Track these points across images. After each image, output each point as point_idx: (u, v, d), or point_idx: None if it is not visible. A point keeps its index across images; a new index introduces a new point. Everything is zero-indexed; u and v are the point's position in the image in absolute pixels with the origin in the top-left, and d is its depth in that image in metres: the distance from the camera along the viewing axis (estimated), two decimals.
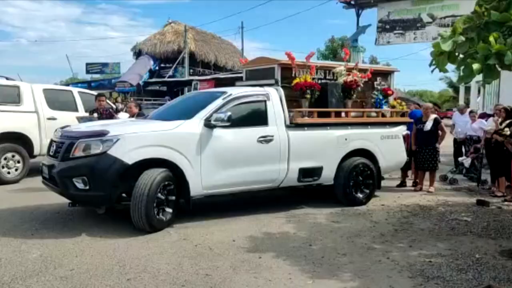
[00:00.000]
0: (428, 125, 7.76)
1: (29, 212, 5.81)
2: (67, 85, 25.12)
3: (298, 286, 3.66)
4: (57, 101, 8.84)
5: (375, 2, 15.50)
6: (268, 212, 5.99)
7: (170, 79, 27.29)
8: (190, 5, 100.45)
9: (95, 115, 7.68)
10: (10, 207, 6.12)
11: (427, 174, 8.01)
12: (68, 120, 7.77)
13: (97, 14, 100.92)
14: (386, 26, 15.28)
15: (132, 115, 7.56)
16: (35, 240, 4.64)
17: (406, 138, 7.30)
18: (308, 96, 6.32)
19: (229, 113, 5.35)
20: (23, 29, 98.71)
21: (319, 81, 6.67)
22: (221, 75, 23.76)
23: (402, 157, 7.23)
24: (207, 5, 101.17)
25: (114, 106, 10.33)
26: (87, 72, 35.97)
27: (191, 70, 28.63)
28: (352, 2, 15.92)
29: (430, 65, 4.79)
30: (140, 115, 7.53)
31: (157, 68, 30.03)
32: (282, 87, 6.20)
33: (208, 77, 24.29)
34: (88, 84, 27.84)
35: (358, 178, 6.53)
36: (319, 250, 4.51)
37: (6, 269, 3.85)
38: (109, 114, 7.66)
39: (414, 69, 79.50)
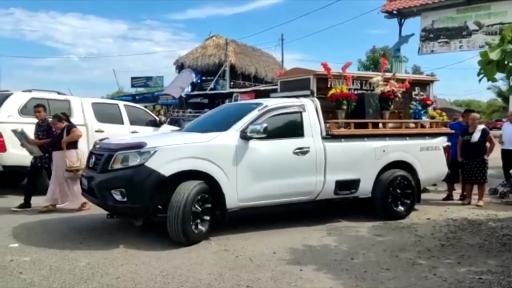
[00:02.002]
0: (476, 136, 7.47)
1: (76, 221, 6.02)
2: (113, 98, 26.07)
3: None
4: (104, 114, 9.18)
5: (418, 11, 15.17)
6: (309, 224, 5.93)
7: (211, 92, 27.74)
8: (231, 19, 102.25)
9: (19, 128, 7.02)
10: (58, 216, 6.36)
11: (475, 187, 7.70)
12: (114, 132, 8.07)
13: (142, 30, 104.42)
14: (430, 35, 14.90)
15: (61, 130, 6.85)
16: (83, 249, 4.81)
17: (446, 149, 7.04)
18: (345, 107, 6.25)
19: (265, 125, 5.31)
20: (73, 46, 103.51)
21: (355, 92, 6.56)
22: (261, 87, 23.91)
23: (443, 169, 6.99)
24: (248, 18, 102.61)
25: (156, 117, 10.58)
26: (132, 85, 37.18)
27: (232, 83, 28.99)
28: (394, 12, 15.64)
29: (478, 74, 4.63)
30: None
31: (199, 81, 30.64)
32: (317, 98, 6.15)
33: (249, 89, 24.52)
34: (132, 97, 28.76)
35: (396, 191, 6.35)
36: (361, 264, 4.42)
37: (56, 276, 4.00)
38: (47, 127, 7.02)
39: (460, 78, 77.00)
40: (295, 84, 6.78)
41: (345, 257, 4.65)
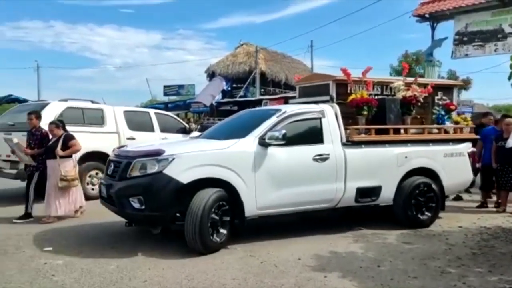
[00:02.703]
0: (511, 142, 7.23)
1: (106, 226, 6.15)
2: (146, 107, 26.64)
3: None
4: (136, 122, 9.42)
5: (452, 14, 14.82)
6: (335, 232, 5.88)
7: (241, 99, 27.93)
8: (262, 26, 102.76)
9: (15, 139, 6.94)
10: (90, 222, 6.54)
11: (511, 195, 7.44)
12: (146, 140, 8.26)
13: (176, 40, 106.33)
14: (464, 39, 14.53)
15: (57, 137, 6.74)
16: (112, 253, 4.94)
17: (471, 155, 6.81)
18: (365, 112, 6.13)
19: (284, 131, 5.22)
20: (109, 56, 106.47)
21: (376, 97, 6.40)
22: (290, 94, 23.91)
23: (468, 176, 6.76)
24: (278, 26, 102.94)
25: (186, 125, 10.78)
26: (165, 94, 37.93)
27: (262, 90, 29.12)
28: (427, 16, 15.33)
29: (509, 78, 4.51)
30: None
31: (229, 88, 30.93)
32: (337, 103, 6.06)
33: (278, 96, 24.54)
34: (165, 106, 29.32)
35: (419, 198, 6.17)
36: (388, 272, 4.35)
37: (86, 278, 4.14)
38: (40, 135, 6.89)
39: (498, 82, 74.42)
40: (314, 89, 6.70)
41: (372, 264, 4.59)
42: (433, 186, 6.26)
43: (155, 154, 5.00)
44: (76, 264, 4.55)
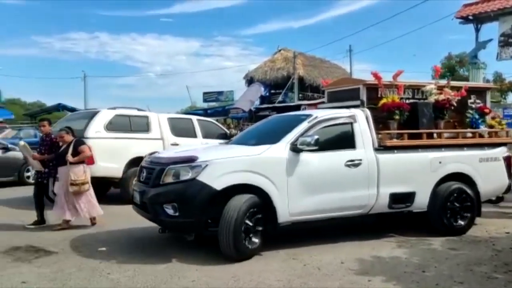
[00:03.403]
0: None
1: (150, 231, 6.12)
2: (186, 113, 27.28)
3: None
4: (179, 128, 9.74)
5: (496, 16, 14.40)
6: (378, 237, 5.88)
7: (279, 105, 28.06)
8: (299, 31, 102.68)
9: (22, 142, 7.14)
10: (140, 225, 6.65)
11: None
12: (189, 145, 8.52)
13: (214, 47, 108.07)
14: (510, 40, 14.08)
15: (67, 143, 6.74)
16: (161, 254, 5.16)
17: (507, 160, 6.59)
18: (397, 117, 6.04)
19: (316, 137, 5.16)
20: (150, 64, 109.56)
21: (407, 101, 6.32)
22: None
23: (503, 181, 6.54)
24: (316, 30, 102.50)
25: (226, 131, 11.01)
26: (204, 100, 38.66)
27: (300, 95, 29.14)
28: (470, 17, 14.98)
29: None
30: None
31: (267, 94, 31.16)
32: (367, 108, 5.99)
33: (316, 101, 24.49)
34: (204, 112, 29.87)
35: (455, 204, 6.03)
36: (433, 277, 4.34)
37: (139, 277, 4.37)
38: (50, 141, 6.93)
39: None
40: (343, 94, 6.63)
41: (416, 269, 4.59)
42: (469, 191, 6.12)
43: (189, 160, 5.00)
44: (128, 263, 4.80)
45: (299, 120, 5.63)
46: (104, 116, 8.73)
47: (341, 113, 5.81)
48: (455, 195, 6.04)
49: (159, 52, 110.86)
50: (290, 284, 4.17)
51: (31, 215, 6.85)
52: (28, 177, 11.41)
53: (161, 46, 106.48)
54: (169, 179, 4.98)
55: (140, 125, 9.18)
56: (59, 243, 5.68)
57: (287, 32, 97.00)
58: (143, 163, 5.77)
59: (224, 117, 29.90)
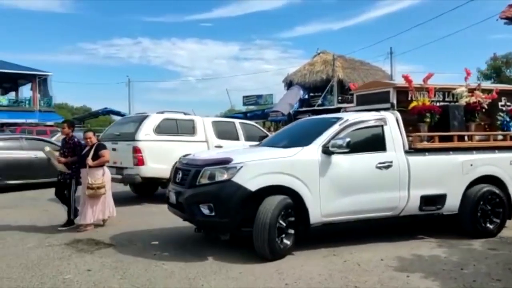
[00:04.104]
0: None
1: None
2: (226, 116, 27.91)
3: None
4: (223, 131, 10.15)
5: None
6: (418, 237, 6.01)
7: (318, 108, 28.17)
8: (339, 33, 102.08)
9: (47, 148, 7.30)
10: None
11: None
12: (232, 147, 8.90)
13: (253, 50, 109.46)
14: None
15: (90, 146, 6.91)
16: (209, 248, 5.50)
17: None
18: (428, 119, 6.06)
19: (348, 139, 5.26)
20: (190, 68, 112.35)
21: (438, 104, 6.34)
22: None
23: None
24: (356, 31, 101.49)
25: None
26: (244, 104, 39.27)
27: (340, 98, 29.12)
28: None
29: None
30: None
31: (306, 96, 31.34)
32: (397, 110, 6.05)
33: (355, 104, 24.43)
34: (244, 115, 30.42)
35: (486, 207, 6.02)
36: (470, 275, 4.48)
37: (191, 268, 4.74)
38: (73, 144, 7.05)
39: None
40: (372, 97, 6.68)
41: (455, 267, 4.73)
42: (500, 194, 6.11)
43: (224, 162, 5.16)
44: (180, 255, 5.20)
45: (330, 123, 5.73)
46: (153, 120, 9.25)
47: (372, 116, 5.89)
48: (486, 197, 6.05)
49: (199, 56, 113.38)
50: (331, 278, 4.42)
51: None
52: None
53: (201, 50, 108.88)
54: (205, 180, 5.14)
55: (186, 128, 9.65)
56: (116, 237, 6.17)
57: (327, 34, 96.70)
58: (178, 165, 5.95)
59: (263, 120, 30.33)
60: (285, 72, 35.28)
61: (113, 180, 9.42)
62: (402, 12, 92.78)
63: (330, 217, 5.35)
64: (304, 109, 29.58)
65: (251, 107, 38.28)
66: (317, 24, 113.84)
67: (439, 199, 5.87)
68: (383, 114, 5.93)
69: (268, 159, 5.27)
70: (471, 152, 6.13)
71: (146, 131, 8.97)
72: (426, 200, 5.79)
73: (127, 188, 10.14)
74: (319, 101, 29.71)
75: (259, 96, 38.42)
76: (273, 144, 6.25)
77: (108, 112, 40.87)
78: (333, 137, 5.40)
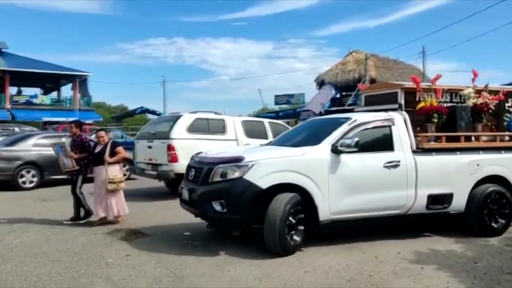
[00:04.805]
0: None
1: None
2: (258, 116, 28.36)
3: None
4: (252, 130, 10.55)
5: None
6: (438, 234, 6.19)
7: (350, 107, 28.15)
8: (374, 31, 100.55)
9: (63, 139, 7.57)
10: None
11: None
12: None
13: (286, 49, 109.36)
14: None
15: (104, 144, 7.14)
16: (235, 239, 5.80)
17: None
18: (435, 120, 6.16)
19: (356, 139, 5.40)
20: (224, 67, 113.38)
21: (445, 104, 6.42)
22: None
23: None
24: (392, 29, 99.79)
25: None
26: (276, 103, 39.60)
27: None
28: None
29: None
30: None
31: (338, 95, 31.36)
32: (405, 111, 6.15)
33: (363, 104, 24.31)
34: (276, 114, 30.78)
35: (492, 206, 6.11)
36: (483, 268, 4.71)
37: (218, 257, 5.17)
38: (80, 142, 7.34)
39: None
40: (380, 98, 6.80)
41: (468, 261, 4.97)
42: (506, 194, 6.19)
43: (236, 160, 5.32)
44: (208, 245, 5.65)
45: (339, 123, 5.87)
46: (186, 119, 9.77)
47: (380, 116, 6.01)
48: (492, 197, 6.14)
49: (233, 55, 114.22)
50: (348, 267, 4.75)
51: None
52: None
53: (234, 49, 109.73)
54: (217, 177, 5.30)
55: (217, 127, 10.12)
56: (152, 228, 6.70)
57: (362, 32, 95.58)
58: (190, 163, 6.14)
59: (294, 119, 30.55)
60: (319, 71, 35.28)
61: (148, 176, 10.10)
62: (440, 9, 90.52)
63: (338, 214, 5.51)
64: (334, 108, 29.64)
65: (283, 106, 38.54)
66: (352, 22, 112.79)
67: (445, 198, 5.99)
68: (391, 114, 6.06)
69: (279, 158, 5.43)
70: (477, 152, 6.25)
71: (179, 130, 9.49)
72: (433, 199, 5.91)
73: (161, 184, 10.72)
74: (350, 101, 29.67)
75: (291, 95, 38.65)
76: (283, 143, 6.37)
77: (144, 111, 42.06)
78: (342, 137, 5.54)
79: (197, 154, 6.25)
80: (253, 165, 5.19)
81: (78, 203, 7.26)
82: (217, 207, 5.22)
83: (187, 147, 9.38)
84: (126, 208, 7.19)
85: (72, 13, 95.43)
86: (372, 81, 29.81)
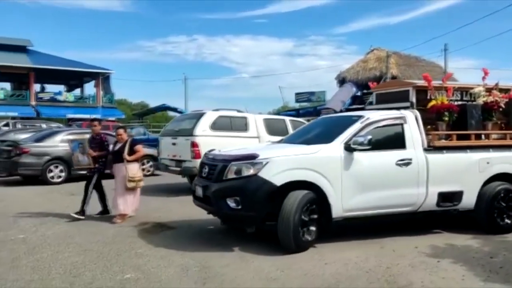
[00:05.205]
0: None
1: None
2: (279, 113, 28.55)
3: (468, 285, 4.19)
4: (273, 128, 10.74)
5: None
6: (457, 231, 6.25)
7: (370, 106, 28.04)
8: (396, 27, 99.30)
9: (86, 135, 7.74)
10: None
11: None
12: None
13: (307, 46, 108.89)
14: None
15: (123, 142, 7.30)
16: (257, 234, 5.90)
17: None
18: (446, 118, 6.21)
19: (369, 137, 5.46)
20: (244, 65, 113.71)
21: (456, 103, 6.46)
22: None
23: None
24: (414, 26, 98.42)
25: None
26: (296, 101, 39.69)
27: None
28: None
29: None
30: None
31: (358, 93, 31.27)
32: (416, 109, 6.21)
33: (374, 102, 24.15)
34: (296, 112, 30.90)
35: (502, 204, 6.15)
36: (499, 262, 4.83)
37: (241, 249, 5.41)
38: (100, 140, 7.57)
39: None
40: (392, 96, 6.85)
41: (485, 256, 5.08)
42: None
43: (250, 157, 5.36)
44: (231, 239, 5.88)
45: (352, 121, 5.93)
46: (209, 117, 10.03)
47: (392, 114, 6.06)
48: (502, 195, 6.18)
49: (253, 52, 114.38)
50: (367, 259, 4.93)
51: (151, 200, 8.29)
52: (143, 169, 13.32)
53: (255, 46, 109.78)
54: (231, 175, 5.35)
55: (239, 125, 10.35)
56: (177, 221, 7.01)
57: (384, 29, 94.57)
58: (203, 160, 6.24)
59: (315, 117, 30.56)
60: (339, 68, 35.20)
61: (172, 172, 10.41)
62: (462, 5, 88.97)
63: (351, 211, 5.58)
64: (355, 106, 29.56)
65: (304, 104, 38.58)
66: (374, 18, 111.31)
67: (456, 196, 6.06)
68: (403, 112, 6.11)
69: (292, 156, 5.49)
70: (487, 150, 6.31)
71: (202, 127, 9.76)
72: (444, 197, 5.99)
73: (184, 180, 11.03)
74: (371, 99, 29.50)
75: (311, 93, 38.68)
76: (295, 140, 6.42)
77: (165, 108, 42.69)
78: (354, 135, 5.61)
79: (210, 151, 6.34)
80: (267, 162, 5.26)
81: (102, 197, 7.55)
82: (231, 204, 5.29)
83: (210, 144, 9.55)
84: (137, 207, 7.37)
85: (93, 10, 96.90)
86: (394, 78, 29.65)
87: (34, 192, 10.44)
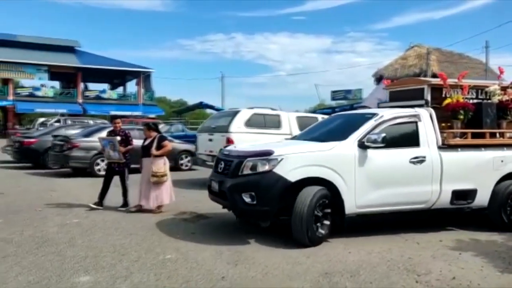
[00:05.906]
0: None
1: None
2: (315, 111, 28.71)
3: (486, 275, 4.42)
4: (306, 125, 10.89)
5: None
6: (483, 229, 6.31)
7: (385, 103, 27.68)
8: (440, 22, 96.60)
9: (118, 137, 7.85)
10: None
11: None
12: None
13: (346, 43, 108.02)
14: None
15: (151, 138, 7.65)
16: (284, 227, 6.41)
17: None
18: (461, 116, 6.23)
19: (383, 134, 5.52)
20: (281, 62, 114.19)
21: (471, 101, 6.52)
22: None
23: None
24: (460, 19, 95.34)
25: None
26: (332, 98, 39.73)
27: None
28: None
29: None
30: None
31: None
32: (431, 107, 6.23)
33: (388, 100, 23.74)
34: (332, 110, 30.86)
35: None
36: None
37: (266, 240, 5.77)
38: (124, 135, 7.88)
39: None
40: (406, 94, 6.86)
41: (508, 250, 5.26)
42: None
43: (266, 154, 5.47)
44: (258, 230, 6.09)
45: (366, 118, 5.98)
46: (244, 114, 10.49)
47: (406, 112, 6.11)
48: None
49: (291, 50, 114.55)
50: (391, 251, 5.20)
51: (189, 192, 8.81)
52: (182, 164, 14.03)
53: (292, 44, 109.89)
54: (247, 170, 5.46)
55: (273, 123, 10.74)
56: (213, 212, 7.41)
57: (427, 24, 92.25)
58: (219, 156, 6.37)
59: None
60: (380, 65, 34.90)
61: (209, 166, 10.89)
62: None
63: (364, 208, 5.67)
64: (391, 103, 29.23)
65: (340, 102, 38.49)
66: (416, 13, 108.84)
67: (469, 194, 6.11)
68: (418, 110, 6.15)
69: (306, 152, 5.59)
70: (502, 149, 6.36)
71: (237, 124, 10.21)
72: (457, 195, 6.04)
73: None
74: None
75: (348, 91, 38.59)
76: (309, 137, 6.48)
77: (203, 106, 43.65)
78: (368, 132, 5.68)
79: (225, 147, 6.48)
80: (282, 159, 5.36)
81: (104, 190, 7.81)
82: (247, 199, 5.40)
83: (245, 140, 10.02)
84: (173, 197, 7.67)
85: (135, 10, 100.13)
86: (434, 76, 29.11)
87: (83, 183, 11.22)
